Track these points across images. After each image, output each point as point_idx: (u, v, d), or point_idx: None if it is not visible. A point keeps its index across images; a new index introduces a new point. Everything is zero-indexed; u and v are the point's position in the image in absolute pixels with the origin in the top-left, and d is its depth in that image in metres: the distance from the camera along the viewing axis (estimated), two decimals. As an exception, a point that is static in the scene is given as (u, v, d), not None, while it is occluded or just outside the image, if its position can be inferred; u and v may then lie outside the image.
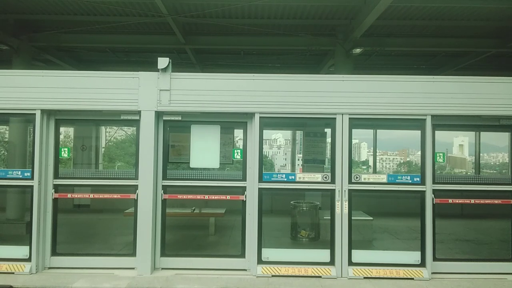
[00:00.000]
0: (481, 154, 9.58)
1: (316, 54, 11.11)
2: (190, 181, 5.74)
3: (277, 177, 5.63)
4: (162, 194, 5.63)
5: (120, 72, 5.70)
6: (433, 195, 5.53)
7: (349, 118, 5.57)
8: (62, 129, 5.99)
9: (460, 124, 5.92)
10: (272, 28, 8.91)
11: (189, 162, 5.80)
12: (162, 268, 5.59)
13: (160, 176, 5.66)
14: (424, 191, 5.52)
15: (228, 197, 5.73)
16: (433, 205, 5.53)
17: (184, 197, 5.91)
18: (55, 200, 5.62)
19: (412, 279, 5.36)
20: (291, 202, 6.86)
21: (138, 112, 5.57)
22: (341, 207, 5.48)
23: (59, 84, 5.53)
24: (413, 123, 5.64)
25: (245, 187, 5.63)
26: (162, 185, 5.65)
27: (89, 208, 7.75)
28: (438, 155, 5.68)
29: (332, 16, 8.47)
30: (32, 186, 5.47)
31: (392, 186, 5.57)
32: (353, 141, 5.70)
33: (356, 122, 5.64)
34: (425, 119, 5.55)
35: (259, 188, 5.51)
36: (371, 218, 6.66)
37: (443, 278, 5.40)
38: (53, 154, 5.66)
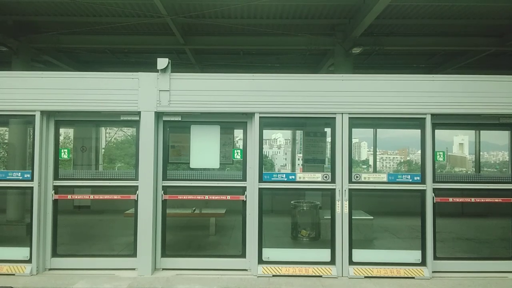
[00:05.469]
0: (481, 153, 9.57)
1: (316, 54, 11.11)
2: (190, 181, 5.73)
3: (277, 177, 5.63)
4: (162, 195, 5.63)
5: (120, 73, 5.68)
6: (433, 194, 5.52)
7: (349, 118, 5.57)
8: (62, 130, 5.99)
9: (460, 122, 5.93)
10: (272, 28, 8.91)
11: (189, 163, 5.80)
12: (163, 269, 5.58)
13: (160, 176, 5.66)
14: (425, 190, 5.52)
15: (228, 197, 5.72)
16: (434, 204, 5.52)
17: (184, 197, 5.89)
18: (55, 201, 5.61)
19: (413, 278, 5.36)
20: (292, 202, 6.85)
21: (138, 113, 5.56)
22: (342, 206, 5.48)
23: (59, 85, 5.52)
24: (413, 122, 5.65)
25: (245, 187, 5.63)
26: (162, 186, 5.64)
27: (90, 209, 7.74)
28: (438, 154, 5.68)
29: (331, 16, 8.48)
30: (32, 187, 5.46)
31: (392, 185, 5.57)
32: (353, 141, 5.69)
33: (356, 122, 5.63)
34: (425, 118, 5.54)
35: (259, 188, 5.51)
36: (372, 217, 6.64)
37: (444, 277, 5.40)
38: (53, 155, 5.65)
